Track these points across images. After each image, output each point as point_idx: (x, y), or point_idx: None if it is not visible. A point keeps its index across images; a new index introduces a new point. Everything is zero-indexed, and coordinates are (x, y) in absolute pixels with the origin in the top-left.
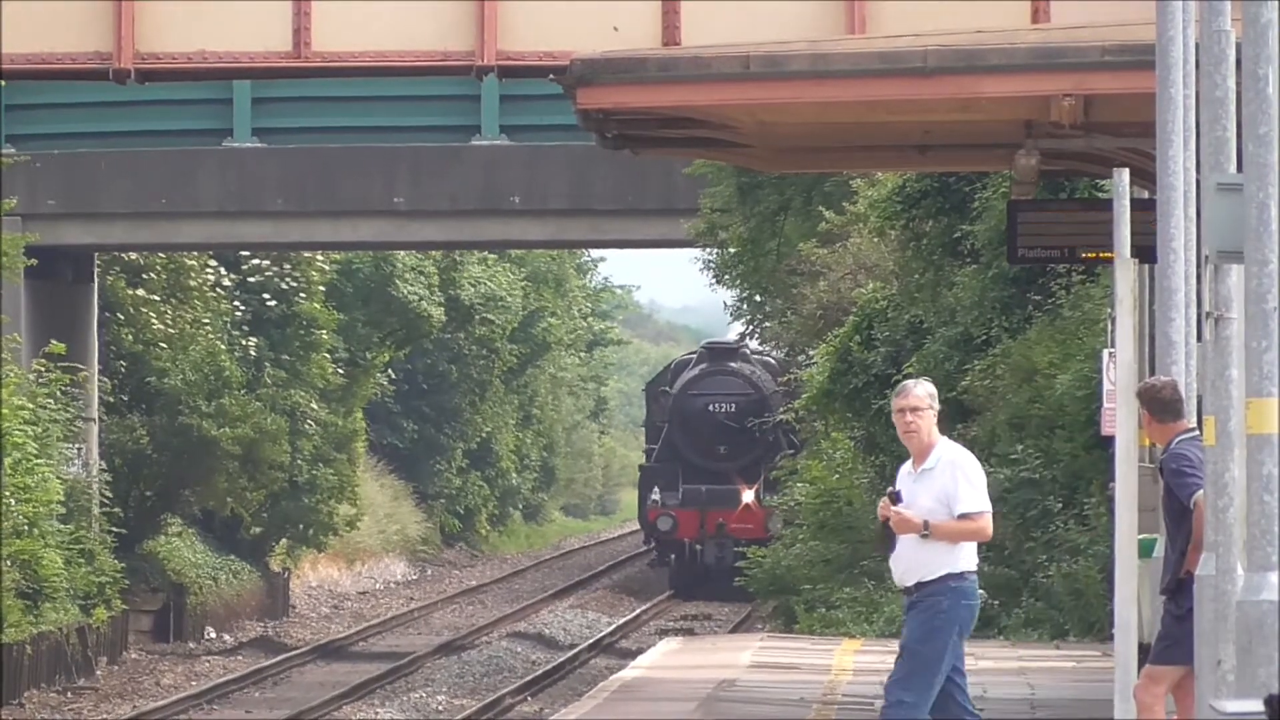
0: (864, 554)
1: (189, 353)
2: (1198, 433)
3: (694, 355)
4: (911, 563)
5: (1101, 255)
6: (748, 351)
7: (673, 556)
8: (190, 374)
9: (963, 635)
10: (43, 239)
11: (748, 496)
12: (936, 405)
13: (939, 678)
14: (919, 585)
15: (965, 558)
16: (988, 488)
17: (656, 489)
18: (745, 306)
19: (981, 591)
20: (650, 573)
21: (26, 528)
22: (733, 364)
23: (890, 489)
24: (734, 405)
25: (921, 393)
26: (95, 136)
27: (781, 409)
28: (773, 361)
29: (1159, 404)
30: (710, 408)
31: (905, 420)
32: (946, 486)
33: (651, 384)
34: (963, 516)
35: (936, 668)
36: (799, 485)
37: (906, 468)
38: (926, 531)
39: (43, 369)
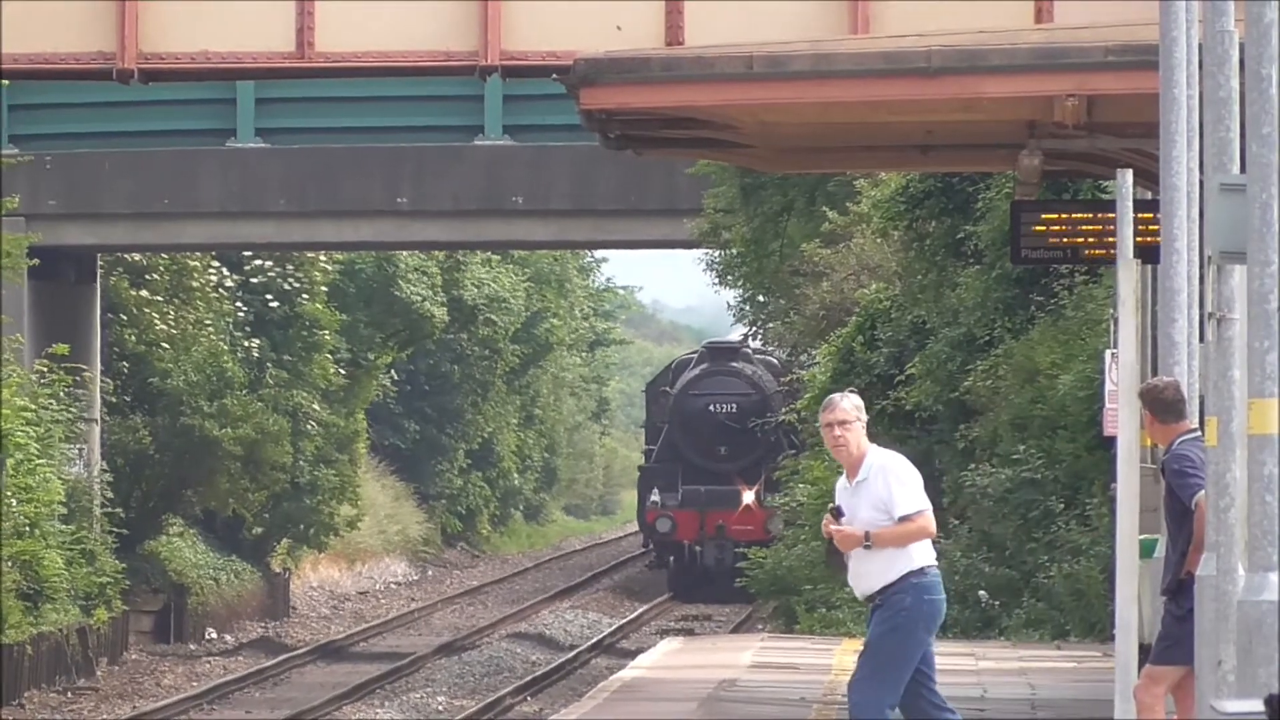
0: None
1: (191, 353)
2: (1199, 433)
3: (695, 355)
4: (869, 573)
5: (1104, 255)
6: (749, 351)
7: (672, 558)
8: (192, 374)
9: (929, 631)
10: (45, 239)
11: (748, 497)
12: (864, 416)
13: (904, 675)
14: (882, 590)
15: (921, 555)
16: (995, 487)
17: (656, 490)
18: (748, 307)
19: (982, 592)
20: (651, 573)
21: (28, 528)
22: (734, 364)
23: (831, 505)
24: (735, 405)
25: (848, 406)
26: (98, 137)
27: (784, 409)
28: (774, 361)
29: (1161, 405)
30: (711, 408)
31: (834, 435)
32: (881, 493)
33: (652, 384)
34: (903, 519)
35: (901, 665)
36: (800, 486)
37: (842, 482)
38: (869, 543)
39: (45, 369)
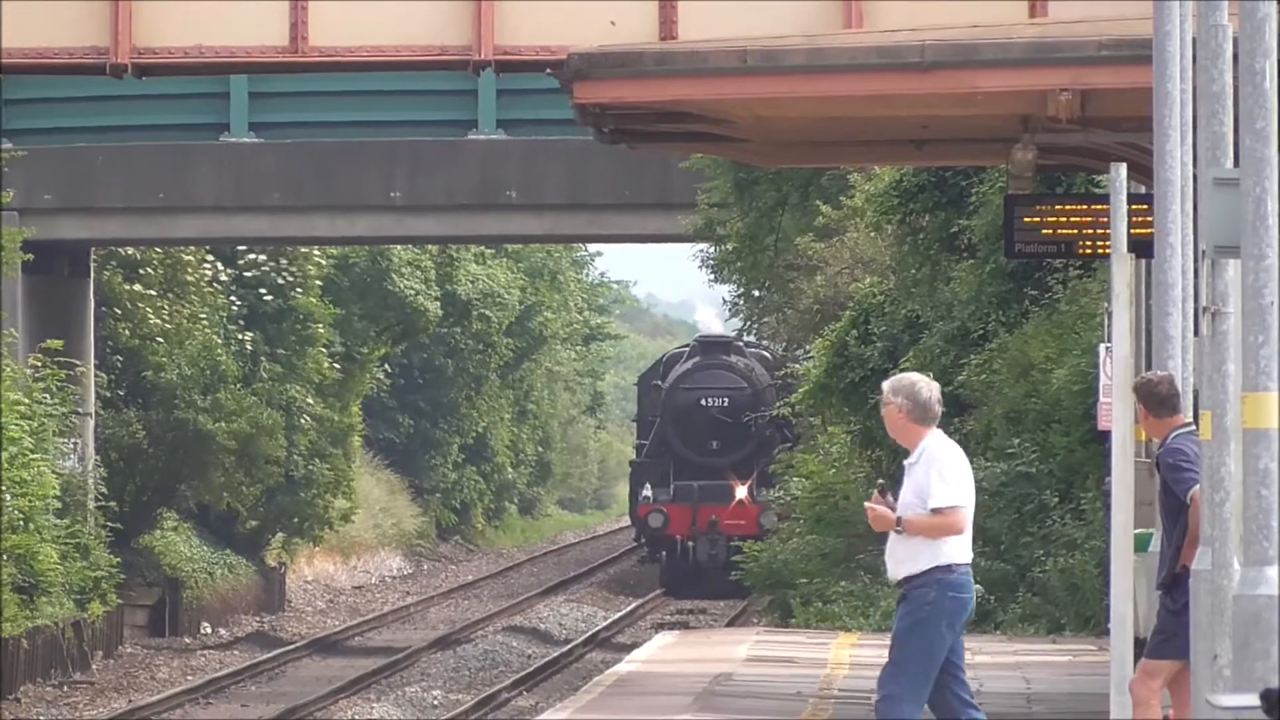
0: (860, 548)
1: (185, 347)
2: (1194, 428)
3: (687, 348)
4: (898, 559)
5: (1099, 250)
6: (741, 345)
7: (664, 554)
8: (186, 368)
9: (952, 628)
10: (39, 234)
11: (741, 492)
12: (898, 400)
13: (930, 670)
14: (907, 579)
15: (952, 551)
16: (990, 481)
17: (648, 485)
18: (743, 302)
19: (978, 586)
20: (644, 567)
21: (22, 522)
22: (726, 357)
23: (879, 481)
24: (727, 399)
25: (885, 386)
26: (92, 131)
27: (779, 403)
28: (767, 355)
29: (1155, 399)
30: (703, 402)
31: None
32: (921, 480)
33: (643, 377)
34: (934, 511)
35: (926, 659)
36: (795, 480)
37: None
38: (899, 529)
39: (39, 364)
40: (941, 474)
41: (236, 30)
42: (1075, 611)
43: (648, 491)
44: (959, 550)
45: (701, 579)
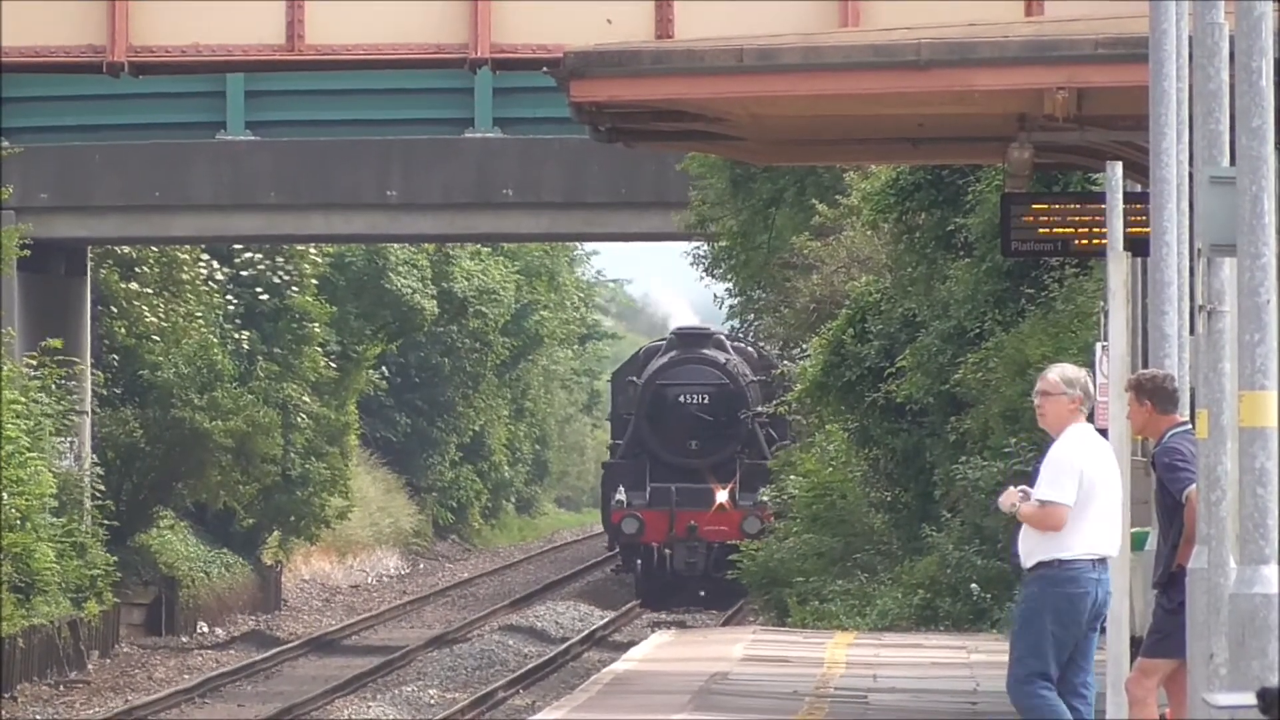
0: (857, 547)
1: (181, 346)
2: (1190, 427)
3: (664, 342)
4: (1021, 547)
5: (1095, 248)
6: (723, 338)
7: (639, 562)
8: (183, 367)
9: (1062, 624)
10: (36, 232)
11: (721, 496)
12: (1071, 391)
13: (1038, 663)
14: (1029, 570)
15: (1062, 545)
16: (987, 480)
17: (622, 488)
18: (738, 301)
19: (974, 585)
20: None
21: (19, 521)
22: (705, 351)
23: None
24: (707, 396)
25: (1054, 377)
26: (88, 130)
27: (775, 401)
28: (751, 351)
29: (1163, 394)
30: (681, 398)
31: (1036, 404)
32: (1039, 472)
33: (618, 373)
34: (1039, 504)
35: (1036, 652)
36: (792, 478)
37: None
38: (1012, 511)
39: (36, 362)
40: (1050, 464)
41: (233, 29)
42: None
43: (621, 495)
44: (1073, 544)
45: (679, 589)
